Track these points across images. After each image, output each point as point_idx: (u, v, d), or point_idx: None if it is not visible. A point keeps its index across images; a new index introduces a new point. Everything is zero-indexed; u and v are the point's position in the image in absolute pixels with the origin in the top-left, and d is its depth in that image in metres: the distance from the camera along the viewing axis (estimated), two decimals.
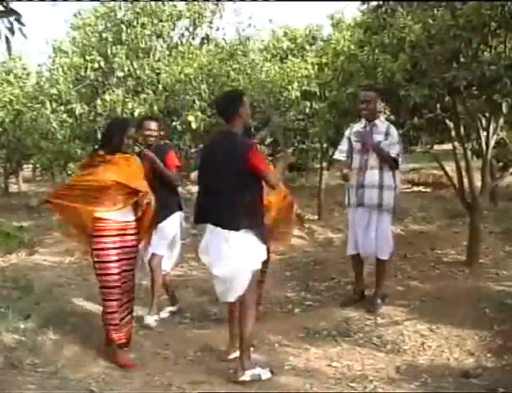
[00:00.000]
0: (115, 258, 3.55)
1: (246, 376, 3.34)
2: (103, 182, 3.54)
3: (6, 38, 2.47)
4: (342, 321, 4.33)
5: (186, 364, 3.67)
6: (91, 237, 3.57)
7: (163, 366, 3.60)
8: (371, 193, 4.45)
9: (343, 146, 4.70)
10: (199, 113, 7.42)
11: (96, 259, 3.57)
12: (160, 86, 7.90)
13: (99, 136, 7.80)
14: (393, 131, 4.52)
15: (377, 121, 4.54)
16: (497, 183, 6.54)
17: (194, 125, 7.30)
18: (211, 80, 7.87)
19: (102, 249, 3.55)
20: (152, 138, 4.49)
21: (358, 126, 4.65)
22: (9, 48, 2.54)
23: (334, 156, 4.90)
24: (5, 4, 2.46)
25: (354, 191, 4.54)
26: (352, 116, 5.38)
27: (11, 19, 2.48)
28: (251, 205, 3.36)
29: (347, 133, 4.73)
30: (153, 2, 8.23)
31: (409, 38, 4.89)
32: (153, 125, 4.51)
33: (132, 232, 3.65)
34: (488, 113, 5.35)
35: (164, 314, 4.62)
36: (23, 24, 2.51)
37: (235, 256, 3.33)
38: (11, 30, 2.46)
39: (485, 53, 4.95)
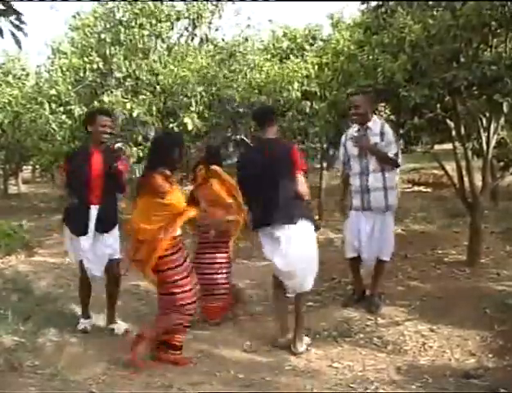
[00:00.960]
0: (187, 272, 3.64)
1: (303, 346, 3.85)
2: (181, 210, 3.59)
3: (13, 34, 2.48)
4: (342, 321, 4.33)
5: (187, 365, 3.67)
6: (159, 258, 3.53)
7: (164, 367, 3.61)
8: (377, 196, 4.45)
9: (342, 155, 4.73)
10: (194, 115, 7.43)
11: (174, 278, 3.56)
12: (158, 87, 7.91)
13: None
14: (388, 129, 4.51)
15: (370, 123, 4.51)
16: (498, 183, 6.55)
17: (190, 127, 7.31)
18: (208, 82, 7.87)
19: (180, 265, 3.58)
20: (106, 135, 4.18)
21: (352, 131, 4.63)
22: (18, 44, 2.55)
23: (339, 173, 5.00)
24: (6, 2, 2.46)
25: (359, 196, 4.53)
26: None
27: (12, 18, 2.48)
28: (298, 198, 3.76)
29: (342, 139, 4.74)
30: (151, 3, 8.23)
31: (409, 38, 4.89)
32: (108, 121, 4.19)
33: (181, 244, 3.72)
34: (489, 113, 5.34)
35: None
36: (24, 23, 2.51)
37: (302, 246, 3.75)
38: (18, 27, 2.47)
39: (485, 53, 4.94)
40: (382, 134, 4.46)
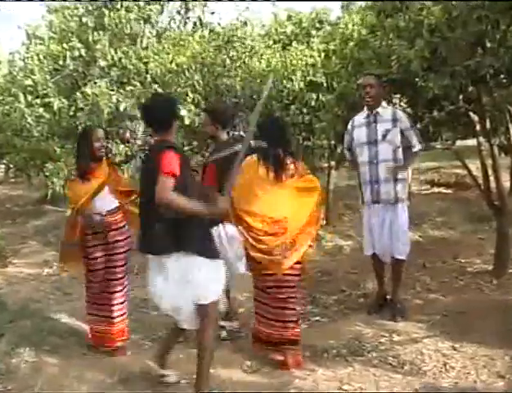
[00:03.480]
0: None
1: None
2: None
3: None
4: (353, 338, 4.32)
5: (178, 387, 3.66)
6: None
7: (152, 388, 3.59)
8: (387, 188, 4.62)
9: (346, 142, 4.97)
10: (192, 107, 7.42)
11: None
12: (149, 77, 7.90)
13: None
14: (401, 115, 4.68)
15: (379, 109, 4.69)
16: None
17: (187, 121, 7.30)
18: (205, 70, 7.87)
19: None
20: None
21: (360, 116, 4.81)
22: None
23: (346, 157, 5.21)
24: None
25: (369, 188, 4.71)
26: (362, 109, 5.37)
27: None
28: None
29: (349, 127, 4.93)
30: None
31: (427, 21, 4.88)
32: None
33: None
34: None
35: None
36: None
37: None
38: None
39: None
40: (394, 121, 4.63)
